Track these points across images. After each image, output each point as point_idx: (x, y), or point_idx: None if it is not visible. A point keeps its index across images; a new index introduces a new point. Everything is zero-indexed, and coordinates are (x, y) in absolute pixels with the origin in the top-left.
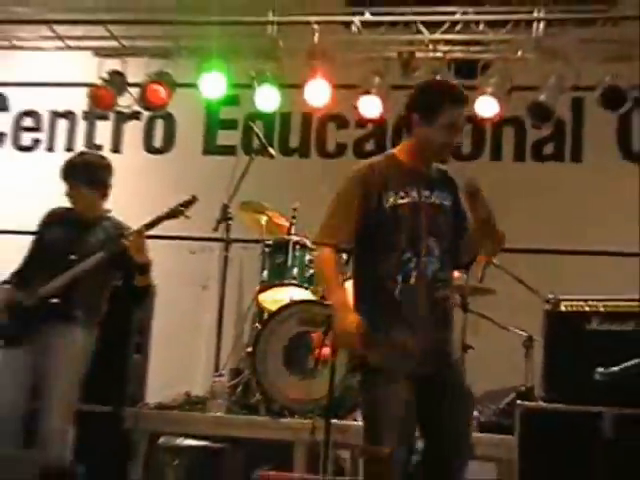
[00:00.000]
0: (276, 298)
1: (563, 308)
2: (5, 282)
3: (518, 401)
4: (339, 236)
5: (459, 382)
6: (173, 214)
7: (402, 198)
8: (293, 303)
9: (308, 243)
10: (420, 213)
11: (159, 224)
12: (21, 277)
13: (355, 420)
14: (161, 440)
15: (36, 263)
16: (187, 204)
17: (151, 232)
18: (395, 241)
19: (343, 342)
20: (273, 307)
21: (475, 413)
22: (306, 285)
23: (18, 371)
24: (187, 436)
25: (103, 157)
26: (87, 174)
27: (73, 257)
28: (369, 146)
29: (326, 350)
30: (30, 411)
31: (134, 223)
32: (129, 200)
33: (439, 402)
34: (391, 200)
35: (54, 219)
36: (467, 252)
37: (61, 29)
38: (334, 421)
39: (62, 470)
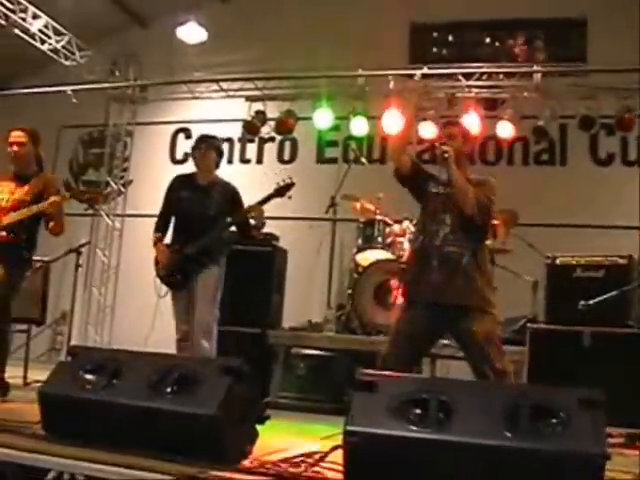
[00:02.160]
0: (367, 257)
1: (558, 262)
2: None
3: (528, 324)
4: None
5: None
6: (277, 194)
7: None
8: (378, 261)
9: (389, 221)
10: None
11: (270, 201)
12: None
13: None
14: (293, 350)
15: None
16: (287, 186)
17: (287, 214)
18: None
19: None
20: (365, 263)
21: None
22: (387, 249)
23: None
24: (310, 348)
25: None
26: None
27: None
28: (426, 156)
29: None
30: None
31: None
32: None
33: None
34: None
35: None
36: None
37: (224, 84)
38: None
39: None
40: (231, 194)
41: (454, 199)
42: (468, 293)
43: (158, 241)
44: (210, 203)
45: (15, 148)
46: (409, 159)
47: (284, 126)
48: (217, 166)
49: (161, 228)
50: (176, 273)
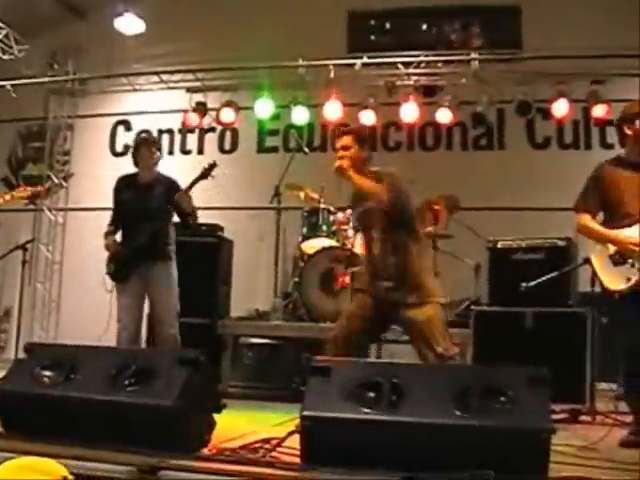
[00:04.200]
0: (312, 245)
1: (499, 245)
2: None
3: (472, 307)
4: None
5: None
6: (202, 176)
7: None
8: (323, 248)
9: (332, 209)
10: None
11: (196, 184)
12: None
13: None
14: (241, 340)
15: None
16: (210, 167)
17: (231, 204)
18: None
19: None
20: (310, 251)
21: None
22: (331, 237)
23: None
24: (258, 337)
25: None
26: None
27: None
28: None
29: (345, 279)
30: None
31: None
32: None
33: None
34: None
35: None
36: None
37: (164, 76)
38: None
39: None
40: (171, 188)
41: (370, 213)
42: (406, 286)
43: (109, 234)
44: (152, 199)
45: None
46: None
47: (225, 117)
48: (156, 163)
49: (114, 225)
50: (123, 265)
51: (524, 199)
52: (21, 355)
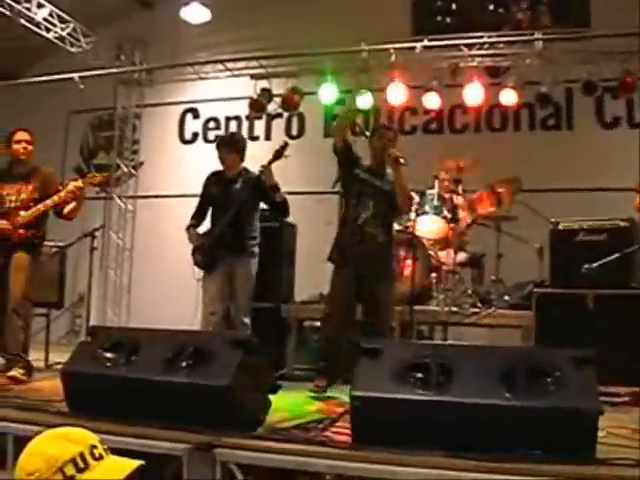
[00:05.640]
0: None
1: (561, 227)
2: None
3: (535, 289)
4: None
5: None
6: (278, 156)
7: None
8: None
9: None
10: None
11: (274, 162)
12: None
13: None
14: (305, 323)
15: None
16: (282, 148)
17: (298, 189)
18: None
19: None
20: None
21: (507, 297)
22: None
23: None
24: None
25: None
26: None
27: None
28: (433, 126)
29: (407, 262)
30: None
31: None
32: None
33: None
34: None
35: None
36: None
37: (229, 64)
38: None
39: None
40: (252, 180)
41: (381, 189)
42: (379, 263)
43: (189, 227)
44: (234, 192)
45: (24, 146)
46: (344, 140)
47: (290, 103)
48: (242, 160)
49: (195, 218)
50: (208, 255)
51: (592, 180)
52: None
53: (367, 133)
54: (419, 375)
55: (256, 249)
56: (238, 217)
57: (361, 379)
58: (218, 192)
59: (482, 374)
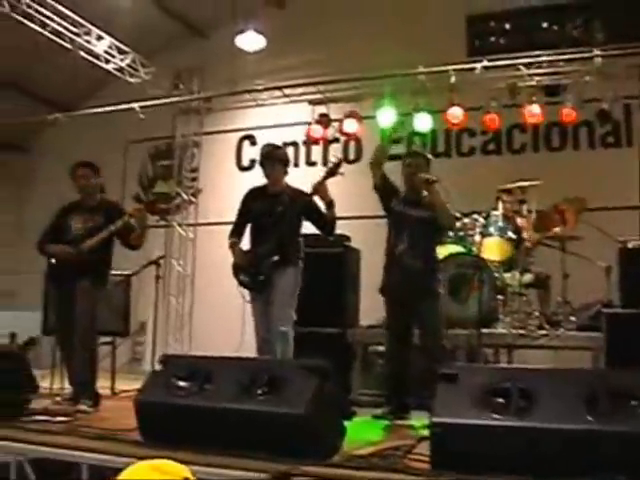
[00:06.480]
0: (439, 251)
1: (630, 245)
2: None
3: (603, 309)
4: None
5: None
6: (332, 173)
7: None
8: (451, 254)
9: (458, 214)
10: None
11: (328, 179)
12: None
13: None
14: (370, 348)
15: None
16: (336, 165)
17: (357, 213)
18: None
19: None
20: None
21: (573, 318)
22: (459, 242)
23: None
24: None
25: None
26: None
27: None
28: (491, 147)
29: (474, 284)
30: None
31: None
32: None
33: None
34: None
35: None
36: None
37: (287, 90)
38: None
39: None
40: (299, 198)
41: (416, 218)
42: (419, 291)
43: (234, 244)
44: (279, 208)
45: (84, 182)
46: (382, 175)
47: (348, 127)
48: (285, 174)
49: (235, 234)
50: (254, 273)
51: None
52: (156, 367)
53: (428, 155)
54: (499, 400)
55: (300, 261)
56: (284, 235)
57: (440, 405)
58: (262, 208)
59: (563, 398)
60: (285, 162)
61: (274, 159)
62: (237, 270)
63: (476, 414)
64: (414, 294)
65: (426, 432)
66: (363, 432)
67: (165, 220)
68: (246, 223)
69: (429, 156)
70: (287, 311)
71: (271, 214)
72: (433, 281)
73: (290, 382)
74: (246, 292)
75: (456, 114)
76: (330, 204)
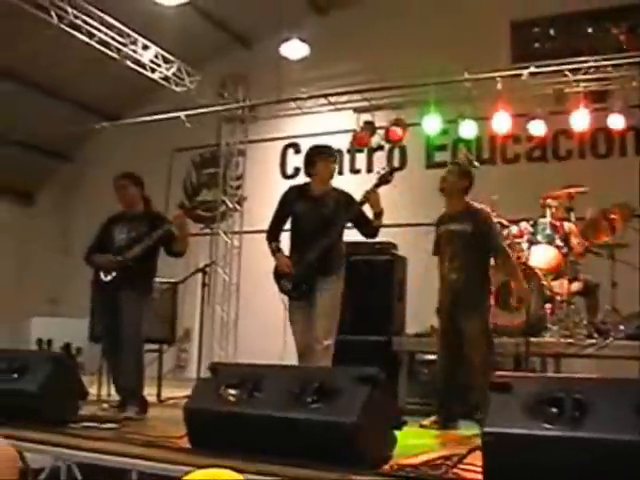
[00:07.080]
0: None
1: None
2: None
3: None
4: None
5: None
6: (384, 180)
7: None
8: None
9: (505, 222)
10: None
11: (379, 187)
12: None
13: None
14: (417, 357)
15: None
16: (389, 173)
17: (402, 221)
18: None
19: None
20: None
21: (622, 327)
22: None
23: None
24: (433, 353)
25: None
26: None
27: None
28: (537, 154)
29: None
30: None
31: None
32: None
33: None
34: None
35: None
36: None
37: (332, 98)
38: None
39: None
40: (345, 199)
41: (448, 231)
42: (464, 304)
43: (277, 250)
44: (324, 211)
45: (122, 192)
46: None
47: (393, 134)
48: (331, 176)
49: (274, 237)
50: (297, 282)
51: None
52: (203, 374)
53: (475, 163)
54: (553, 410)
55: (342, 270)
56: (329, 242)
57: (493, 414)
58: (305, 210)
59: (618, 408)
60: (333, 159)
61: (333, 157)
62: (279, 276)
63: (529, 424)
64: (459, 309)
65: (476, 442)
66: (412, 441)
67: (210, 228)
68: (284, 224)
69: (466, 166)
70: (331, 323)
71: (315, 218)
72: (478, 294)
73: (340, 390)
74: (286, 298)
75: (502, 121)
76: (380, 214)
